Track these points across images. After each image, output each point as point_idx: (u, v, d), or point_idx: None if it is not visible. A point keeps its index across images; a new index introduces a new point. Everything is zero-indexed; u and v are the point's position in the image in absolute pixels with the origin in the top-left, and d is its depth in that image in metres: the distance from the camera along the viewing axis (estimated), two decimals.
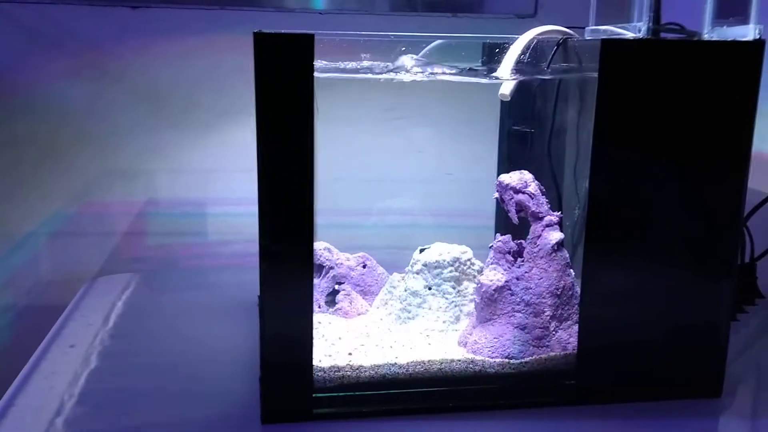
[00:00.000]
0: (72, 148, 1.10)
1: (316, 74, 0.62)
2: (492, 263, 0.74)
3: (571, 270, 0.73)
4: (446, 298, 0.78)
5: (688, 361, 0.72)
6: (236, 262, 1.15)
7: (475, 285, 0.78)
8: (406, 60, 0.75)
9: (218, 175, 1.14)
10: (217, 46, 1.08)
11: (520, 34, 0.75)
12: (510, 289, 0.72)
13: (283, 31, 0.61)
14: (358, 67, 0.74)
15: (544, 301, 0.71)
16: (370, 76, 0.73)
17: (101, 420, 0.68)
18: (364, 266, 0.87)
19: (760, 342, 0.87)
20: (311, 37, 0.61)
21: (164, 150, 1.12)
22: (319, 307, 0.83)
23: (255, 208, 0.64)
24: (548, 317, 0.72)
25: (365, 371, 0.69)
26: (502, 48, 0.75)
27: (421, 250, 0.81)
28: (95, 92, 1.08)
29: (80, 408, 0.69)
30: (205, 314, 0.94)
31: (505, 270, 0.73)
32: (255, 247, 0.65)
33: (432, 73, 0.74)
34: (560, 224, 0.73)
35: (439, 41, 0.77)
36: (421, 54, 0.77)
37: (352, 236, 1.05)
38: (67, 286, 1.09)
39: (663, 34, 0.73)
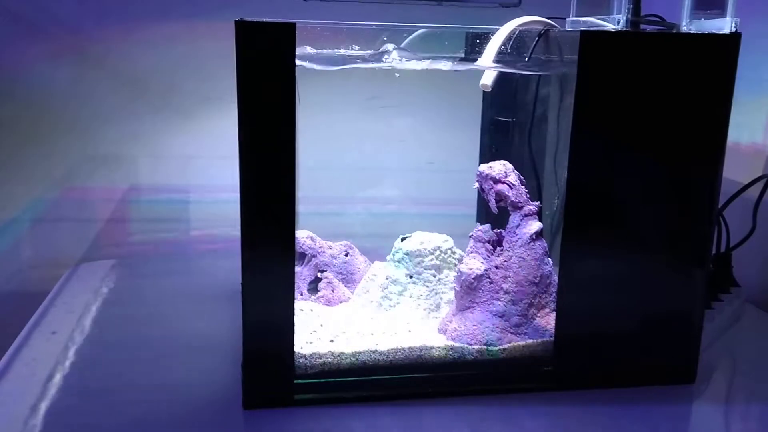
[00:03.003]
0: (53, 134, 1.09)
1: (298, 62, 0.62)
2: (472, 252, 0.75)
3: (549, 259, 0.74)
4: (427, 286, 0.79)
5: (662, 348, 0.74)
6: (218, 248, 1.15)
7: (455, 273, 0.79)
8: (389, 48, 0.75)
9: (200, 161, 1.14)
10: (199, 32, 1.08)
11: (503, 23, 0.76)
12: (489, 278, 0.73)
13: (264, 19, 0.61)
14: (343, 55, 0.74)
15: (522, 289, 0.72)
16: (354, 66, 0.73)
17: (83, 407, 0.68)
18: (346, 254, 0.87)
19: (733, 330, 0.88)
20: (293, 25, 0.61)
21: (146, 136, 1.12)
22: (302, 294, 0.84)
23: (237, 195, 0.64)
24: (526, 305, 0.73)
25: (346, 358, 0.70)
26: (484, 38, 0.75)
27: (403, 239, 0.82)
28: (77, 77, 1.08)
29: (62, 395, 0.70)
30: (187, 300, 0.94)
31: (484, 259, 0.74)
32: (237, 234, 0.65)
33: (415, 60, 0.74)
34: (539, 214, 0.74)
35: (421, 30, 0.77)
36: (403, 43, 0.77)
37: (335, 224, 1.06)
38: (48, 273, 1.09)
39: (642, 26, 0.74)
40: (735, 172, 0.91)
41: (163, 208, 1.15)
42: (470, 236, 0.76)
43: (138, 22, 1.07)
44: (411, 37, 0.77)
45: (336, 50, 0.74)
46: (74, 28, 1.06)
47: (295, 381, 0.68)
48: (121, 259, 1.09)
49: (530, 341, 0.73)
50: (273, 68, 0.62)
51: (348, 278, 0.86)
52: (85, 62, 1.07)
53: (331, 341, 0.72)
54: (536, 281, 0.73)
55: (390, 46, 0.75)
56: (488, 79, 0.74)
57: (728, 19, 0.69)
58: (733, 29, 0.68)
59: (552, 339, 0.72)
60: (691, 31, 0.71)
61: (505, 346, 0.72)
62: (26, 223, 1.12)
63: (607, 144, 0.69)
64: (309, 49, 0.72)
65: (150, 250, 1.15)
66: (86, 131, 1.10)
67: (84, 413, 0.67)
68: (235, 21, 0.61)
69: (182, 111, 1.11)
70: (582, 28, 0.75)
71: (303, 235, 0.86)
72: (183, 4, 1.07)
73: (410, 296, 0.79)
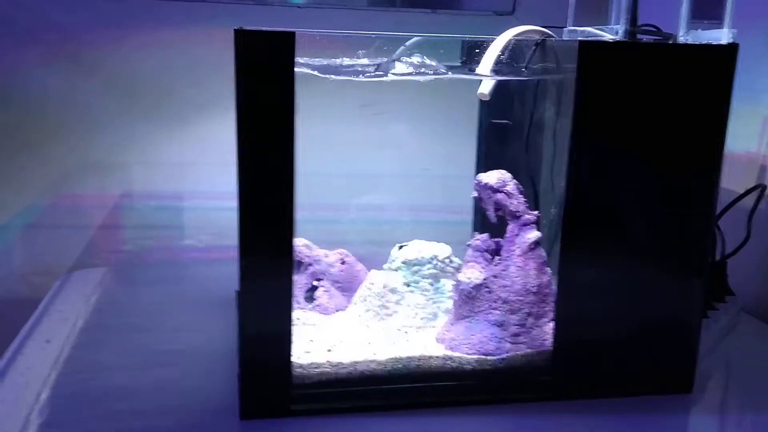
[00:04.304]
0: (47, 140, 1.08)
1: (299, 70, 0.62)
2: (470, 261, 0.75)
3: (548, 268, 0.74)
4: (424, 295, 0.79)
5: (660, 358, 0.74)
6: (212, 255, 1.15)
7: (453, 282, 0.78)
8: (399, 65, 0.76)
9: (194, 168, 1.13)
10: (195, 39, 1.08)
11: (498, 32, 0.76)
12: (487, 287, 0.73)
13: (263, 28, 0.61)
14: (342, 64, 0.74)
15: (520, 298, 0.72)
16: (359, 78, 0.73)
17: (77, 416, 0.67)
18: (343, 262, 0.87)
19: (729, 338, 0.88)
20: (292, 34, 0.61)
21: (140, 143, 1.11)
22: (298, 303, 0.84)
23: (231, 202, 0.64)
24: (525, 314, 0.73)
25: (343, 367, 0.70)
26: (481, 47, 0.75)
27: (400, 247, 0.81)
28: (71, 83, 1.07)
29: (56, 403, 0.69)
30: (182, 308, 0.93)
31: (482, 268, 0.74)
32: (231, 241, 0.65)
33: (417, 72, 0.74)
34: (537, 223, 0.74)
35: (417, 38, 0.77)
36: (398, 51, 0.77)
37: (331, 232, 1.05)
38: (42, 280, 1.08)
39: (639, 36, 0.74)
40: (729, 181, 0.91)
41: (157, 215, 1.15)
42: (468, 245, 0.76)
43: (133, 29, 1.07)
44: (405, 45, 0.77)
45: (335, 59, 0.74)
46: (69, 34, 1.05)
47: (292, 391, 0.68)
48: (114, 267, 1.09)
49: (528, 351, 0.72)
50: (272, 76, 0.61)
51: (345, 287, 0.86)
52: (79, 69, 1.07)
53: (329, 351, 0.72)
54: (534, 290, 0.73)
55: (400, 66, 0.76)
56: (486, 88, 0.74)
57: (725, 29, 0.69)
58: (731, 40, 0.69)
59: (550, 349, 0.72)
60: (689, 42, 0.72)
61: (504, 355, 0.72)
62: (19, 229, 1.11)
63: (605, 153, 0.69)
64: (307, 58, 0.72)
65: (144, 257, 1.15)
66: (80, 138, 1.09)
67: (78, 423, 0.66)
68: (235, 30, 0.61)
69: (177, 118, 1.11)
70: (580, 38, 0.75)
71: (299, 243, 0.86)
72: (178, 11, 1.07)
73: (408, 305, 0.78)
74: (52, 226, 1.12)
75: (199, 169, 1.13)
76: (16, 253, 1.12)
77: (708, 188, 0.71)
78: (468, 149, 0.92)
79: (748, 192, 0.92)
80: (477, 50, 0.75)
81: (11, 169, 1.08)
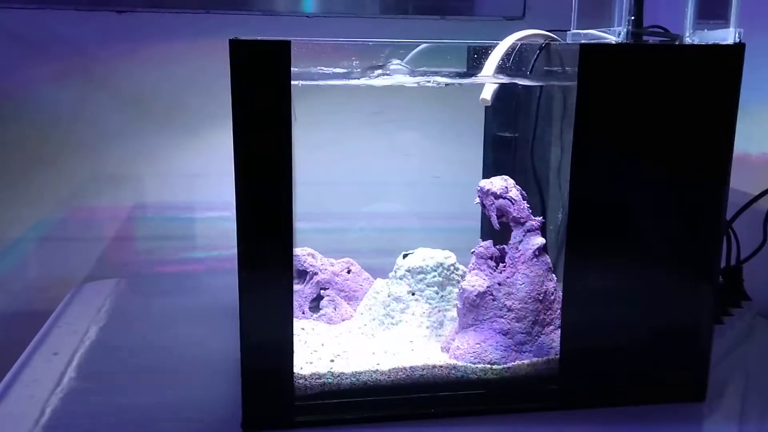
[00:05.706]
0: (59, 153, 1.09)
1: (294, 81, 0.62)
2: (474, 269, 0.74)
3: (553, 275, 0.73)
4: (429, 304, 0.78)
5: (671, 365, 0.72)
6: (224, 266, 1.15)
7: (458, 290, 0.77)
8: (395, 67, 0.75)
9: (205, 179, 1.13)
10: (203, 51, 1.08)
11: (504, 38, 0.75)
12: (492, 295, 0.72)
13: (258, 38, 0.61)
14: (345, 72, 0.74)
15: (526, 306, 0.71)
16: (352, 82, 0.73)
17: (81, 428, 0.67)
18: (348, 271, 0.87)
19: (744, 345, 0.86)
20: (287, 43, 0.61)
21: (151, 154, 1.12)
22: (304, 313, 0.83)
23: None
24: (530, 322, 0.71)
25: (346, 378, 0.69)
26: (485, 52, 0.75)
27: (405, 256, 0.81)
28: (81, 97, 1.08)
29: (60, 416, 0.69)
30: (192, 319, 0.93)
31: (486, 275, 0.73)
32: None
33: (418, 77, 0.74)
34: (542, 229, 0.73)
35: (424, 45, 0.77)
36: (406, 59, 0.77)
37: (337, 241, 1.05)
38: (56, 292, 1.09)
39: (645, 37, 0.73)
40: (744, 183, 0.89)
41: (169, 226, 1.15)
42: (472, 252, 0.75)
43: (142, 42, 1.07)
44: (413, 52, 0.77)
45: (338, 67, 0.74)
46: (79, 48, 1.06)
47: (295, 402, 0.67)
48: (127, 278, 1.09)
49: (535, 359, 0.71)
50: (268, 87, 0.61)
51: (350, 296, 0.85)
52: (90, 82, 1.07)
53: (332, 361, 0.71)
54: (540, 298, 0.72)
55: (397, 62, 0.75)
56: (487, 93, 0.73)
57: (732, 29, 0.68)
58: (737, 40, 0.67)
59: (557, 357, 0.71)
60: (694, 42, 0.70)
61: (509, 364, 0.71)
62: (32, 242, 1.12)
63: (610, 157, 0.67)
64: (308, 66, 0.72)
65: (156, 268, 1.15)
66: (92, 151, 1.10)
67: None
68: (230, 40, 0.61)
69: (187, 129, 1.11)
70: (582, 41, 0.74)
71: (304, 253, 0.86)
72: (185, 23, 1.07)
73: (413, 314, 0.78)
74: (66, 238, 1.13)
75: (211, 179, 1.13)
76: (30, 266, 1.13)
77: (717, 191, 0.69)
78: (475, 156, 0.92)
79: (763, 193, 0.89)
80: (476, 56, 0.74)
81: (25, 183, 1.10)
